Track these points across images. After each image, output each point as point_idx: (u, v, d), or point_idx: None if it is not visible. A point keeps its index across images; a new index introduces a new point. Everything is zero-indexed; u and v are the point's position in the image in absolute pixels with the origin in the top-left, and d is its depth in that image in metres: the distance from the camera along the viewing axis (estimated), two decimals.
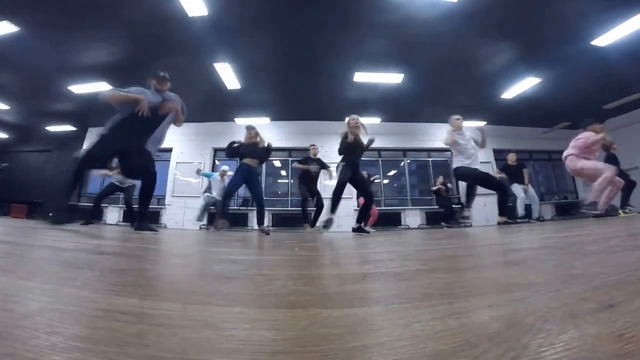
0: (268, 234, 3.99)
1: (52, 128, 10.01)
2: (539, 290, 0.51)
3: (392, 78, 6.99)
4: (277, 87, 7.63)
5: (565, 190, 10.10)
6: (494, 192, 4.31)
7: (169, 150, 9.22)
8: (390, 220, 8.52)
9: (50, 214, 2.90)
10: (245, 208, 8.68)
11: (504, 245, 1.51)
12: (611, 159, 5.27)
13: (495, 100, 8.01)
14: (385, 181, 10.07)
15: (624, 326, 0.31)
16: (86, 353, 0.27)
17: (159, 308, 0.44)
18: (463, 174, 4.44)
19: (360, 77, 6.91)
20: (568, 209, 8.90)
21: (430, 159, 9.84)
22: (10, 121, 9.65)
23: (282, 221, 8.42)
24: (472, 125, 4.73)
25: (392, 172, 10.35)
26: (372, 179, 6.96)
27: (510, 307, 0.41)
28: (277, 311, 0.44)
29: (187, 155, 9.32)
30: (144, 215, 3.26)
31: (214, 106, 8.44)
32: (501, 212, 4.30)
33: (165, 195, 8.95)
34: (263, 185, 9.41)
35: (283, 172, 9.94)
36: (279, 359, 0.27)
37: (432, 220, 8.09)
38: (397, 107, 8.54)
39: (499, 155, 9.23)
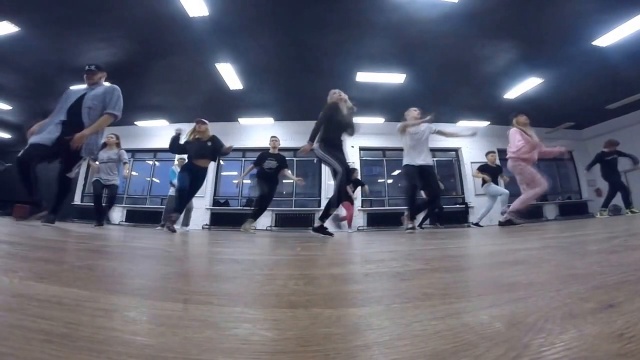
0: (173, 230, 3.63)
1: None
2: (539, 290, 0.51)
3: (395, 78, 6.98)
4: (280, 87, 7.62)
5: (569, 190, 10.05)
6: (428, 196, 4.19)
7: None
8: (394, 220, 8.53)
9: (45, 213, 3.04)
10: (248, 208, 8.68)
11: (505, 245, 1.50)
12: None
13: (498, 101, 7.98)
14: (390, 181, 10.07)
15: (624, 326, 0.31)
16: (84, 353, 0.27)
17: (160, 308, 0.44)
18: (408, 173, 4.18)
19: (363, 77, 6.90)
20: (572, 209, 8.89)
21: (435, 159, 9.83)
22: (12, 121, 9.67)
23: (286, 221, 8.46)
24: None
25: (396, 172, 10.34)
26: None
27: (511, 307, 0.41)
28: (279, 311, 0.44)
29: None
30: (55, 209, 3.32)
31: (216, 107, 8.42)
32: (411, 213, 4.14)
33: (166, 196, 8.95)
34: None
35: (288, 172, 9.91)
36: (281, 359, 0.27)
37: (434, 219, 8.06)
38: (400, 107, 8.47)
39: (504, 155, 9.21)
